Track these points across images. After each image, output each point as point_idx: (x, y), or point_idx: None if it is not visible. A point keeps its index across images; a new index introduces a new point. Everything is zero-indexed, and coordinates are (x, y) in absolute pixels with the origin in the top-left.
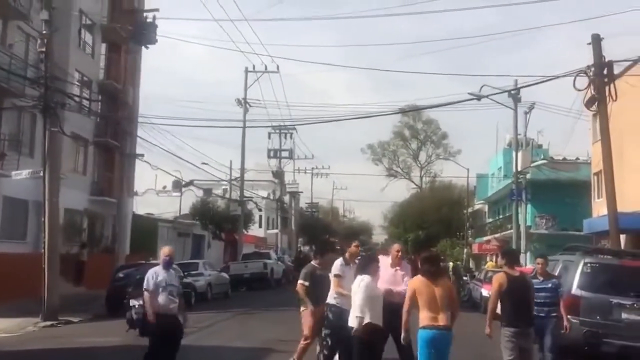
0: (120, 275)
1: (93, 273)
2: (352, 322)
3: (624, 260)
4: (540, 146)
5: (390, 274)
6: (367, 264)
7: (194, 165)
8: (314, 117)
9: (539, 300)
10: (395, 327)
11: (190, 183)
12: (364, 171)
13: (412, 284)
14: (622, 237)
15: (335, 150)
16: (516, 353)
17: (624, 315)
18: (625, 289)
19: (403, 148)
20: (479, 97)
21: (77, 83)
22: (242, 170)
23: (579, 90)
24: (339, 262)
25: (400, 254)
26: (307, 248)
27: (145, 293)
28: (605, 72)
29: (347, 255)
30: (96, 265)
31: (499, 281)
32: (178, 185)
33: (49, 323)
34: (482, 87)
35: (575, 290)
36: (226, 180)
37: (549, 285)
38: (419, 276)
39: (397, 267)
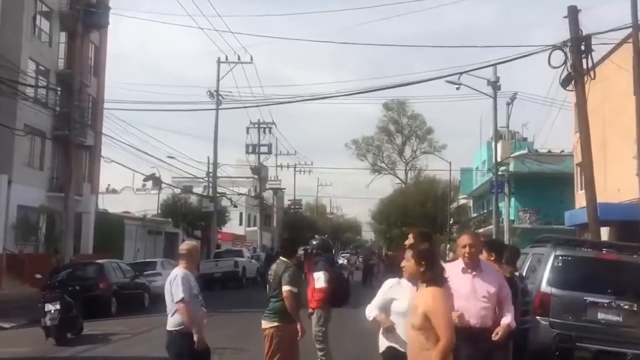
0: (58, 277)
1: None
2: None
3: (601, 252)
4: (525, 139)
5: (467, 285)
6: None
7: (158, 159)
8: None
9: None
10: None
11: (152, 177)
12: (348, 168)
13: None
14: (606, 229)
15: (318, 147)
16: None
17: (600, 316)
18: (602, 286)
19: (388, 143)
20: (457, 85)
21: (27, 72)
22: (215, 165)
23: (555, 67)
24: (391, 282)
25: (472, 249)
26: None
27: (181, 305)
28: (582, 47)
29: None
30: (45, 265)
31: None
32: (158, 182)
33: None
34: (461, 74)
35: (544, 287)
36: (201, 178)
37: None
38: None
39: (474, 272)
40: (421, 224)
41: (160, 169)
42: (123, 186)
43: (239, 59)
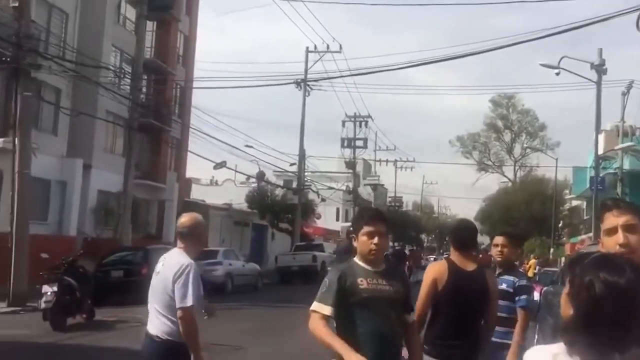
0: (109, 259)
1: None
2: None
3: None
4: None
5: None
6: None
7: (237, 148)
8: (390, 103)
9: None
10: None
11: (223, 164)
12: (452, 166)
13: None
14: None
15: (419, 144)
16: None
17: None
18: None
19: (495, 140)
20: (556, 69)
21: (110, 60)
22: (300, 157)
23: None
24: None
25: (504, 249)
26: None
27: (187, 313)
28: None
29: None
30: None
31: (432, 274)
32: (261, 176)
33: (10, 309)
34: (561, 58)
35: None
36: (292, 172)
37: (503, 285)
38: None
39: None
40: (525, 226)
41: (259, 163)
42: (225, 178)
43: (327, 48)
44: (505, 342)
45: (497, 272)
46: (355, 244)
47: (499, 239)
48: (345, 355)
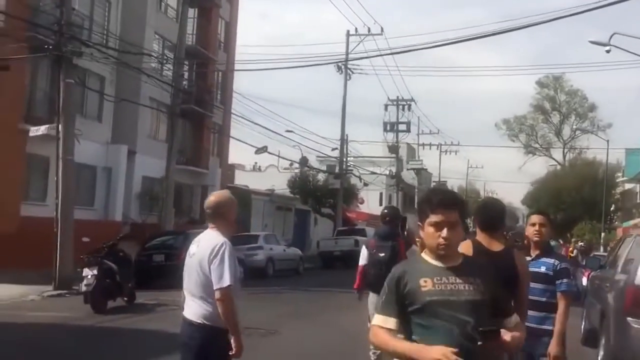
0: (151, 244)
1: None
2: None
3: None
4: None
5: None
6: None
7: (278, 133)
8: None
9: (532, 297)
10: None
11: (264, 149)
12: (498, 150)
13: None
14: None
15: (464, 128)
16: None
17: None
18: None
19: (543, 122)
20: (606, 46)
21: (153, 47)
22: (342, 140)
23: None
24: None
25: (542, 228)
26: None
27: (225, 292)
28: None
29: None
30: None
31: None
32: (304, 161)
33: (56, 293)
34: (612, 35)
35: None
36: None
37: (542, 268)
38: None
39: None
40: (576, 210)
41: (301, 148)
42: (268, 164)
43: (369, 31)
44: (543, 328)
45: (534, 254)
46: (421, 233)
47: (536, 218)
48: (423, 353)
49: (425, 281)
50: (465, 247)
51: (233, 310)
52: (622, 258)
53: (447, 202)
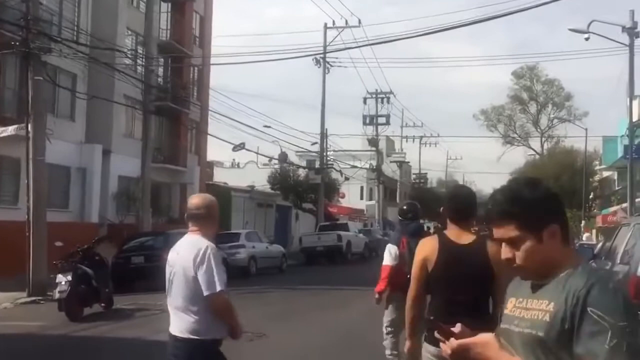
0: (129, 245)
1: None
2: None
3: None
4: None
5: None
6: None
7: (256, 129)
8: (412, 79)
9: None
10: None
11: (242, 146)
12: (477, 141)
13: None
14: None
15: (443, 119)
16: None
17: None
18: None
19: (521, 112)
20: (585, 33)
21: (125, 43)
22: (322, 135)
23: None
24: None
25: None
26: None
27: (217, 298)
28: None
29: None
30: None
31: (421, 253)
32: (283, 157)
33: (30, 299)
34: (590, 22)
35: None
36: (314, 152)
37: None
38: None
39: None
40: None
41: (280, 143)
42: (247, 161)
43: (346, 23)
44: None
45: None
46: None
47: None
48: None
49: (511, 301)
50: (430, 244)
51: (231, 310)
52: (620, 248)
53: (493, 214)
